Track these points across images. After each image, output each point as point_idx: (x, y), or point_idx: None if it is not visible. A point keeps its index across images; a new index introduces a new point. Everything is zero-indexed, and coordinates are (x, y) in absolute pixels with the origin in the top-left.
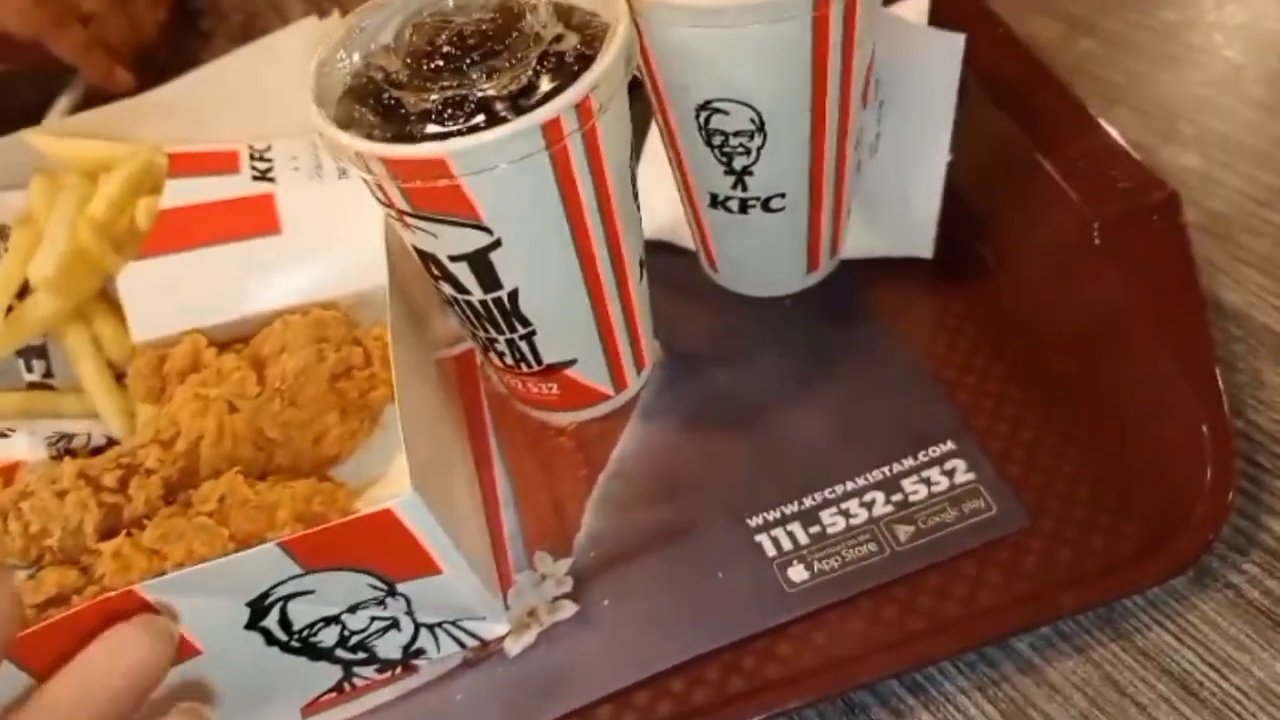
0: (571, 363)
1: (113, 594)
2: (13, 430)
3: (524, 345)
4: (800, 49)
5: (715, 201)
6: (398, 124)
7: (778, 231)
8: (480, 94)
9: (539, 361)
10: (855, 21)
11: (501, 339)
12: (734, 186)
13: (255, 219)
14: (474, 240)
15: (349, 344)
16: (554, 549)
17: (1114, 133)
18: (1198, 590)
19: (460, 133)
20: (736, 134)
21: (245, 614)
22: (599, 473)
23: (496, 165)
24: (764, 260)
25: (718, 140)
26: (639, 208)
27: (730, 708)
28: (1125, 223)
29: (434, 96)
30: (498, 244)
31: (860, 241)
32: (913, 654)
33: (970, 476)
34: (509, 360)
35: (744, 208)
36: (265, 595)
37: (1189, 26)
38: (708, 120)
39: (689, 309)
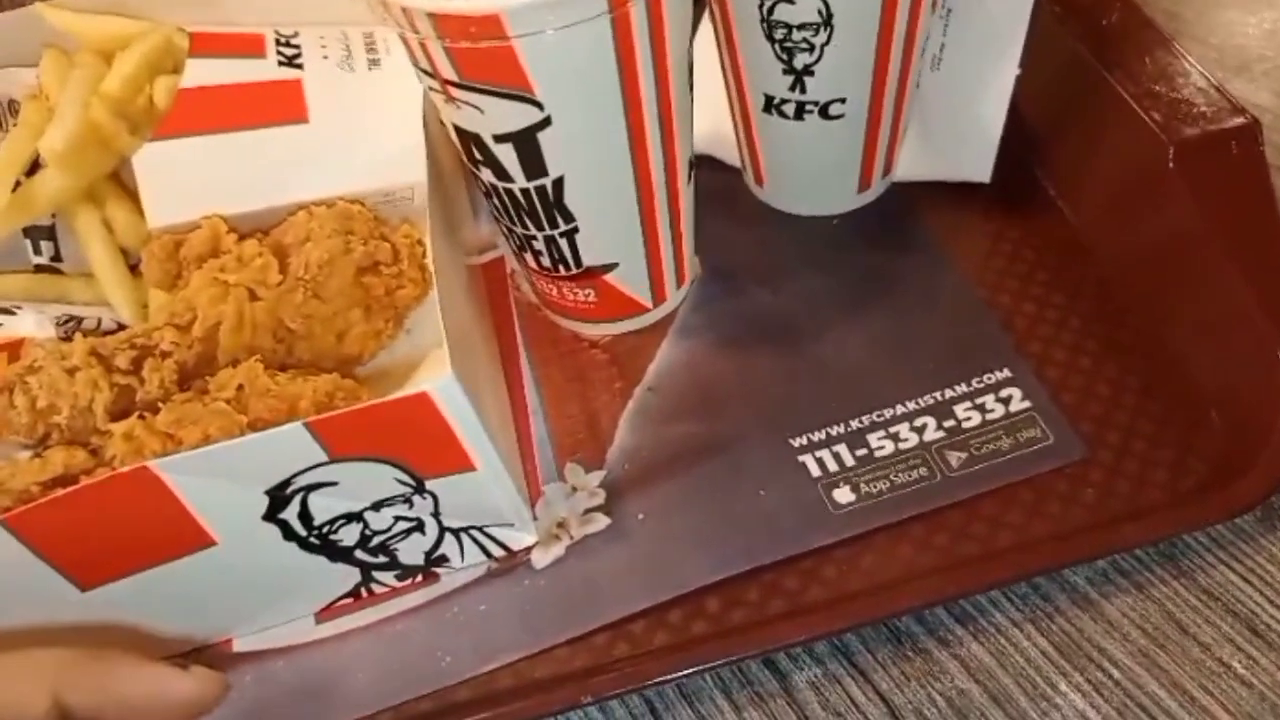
0: (612, 267)
1: (124, 469)
2: (19, 308)
3: (564, 243)
4: None
5: (770, 105)
6: None
7: (832, 142)
8: None
9: (578, 263)
10: None
11: (540, 236)
12: (792, 88)
13: (282, 106)
14: (523, 116)
15: (376, 239)
16: (586, 461)
17: (1189, 58)
18: (1266, 531)
19: None
20: (801, 27)
21: (264, 503)
22: (634, 386)
23: (553, 27)
24: (815, 175)
25: (780, 34)
26: (693, 106)
27: (770, 629)
28: (1202, 148)
29: None
30: (547, 122)
31: (914, 163)
32: (963, 580)
33: (1026, 404)
34: (546, 261)
35: (800, 112)
36: (286, 484)
37: None
38: (771, 9)
39: (731, 226)
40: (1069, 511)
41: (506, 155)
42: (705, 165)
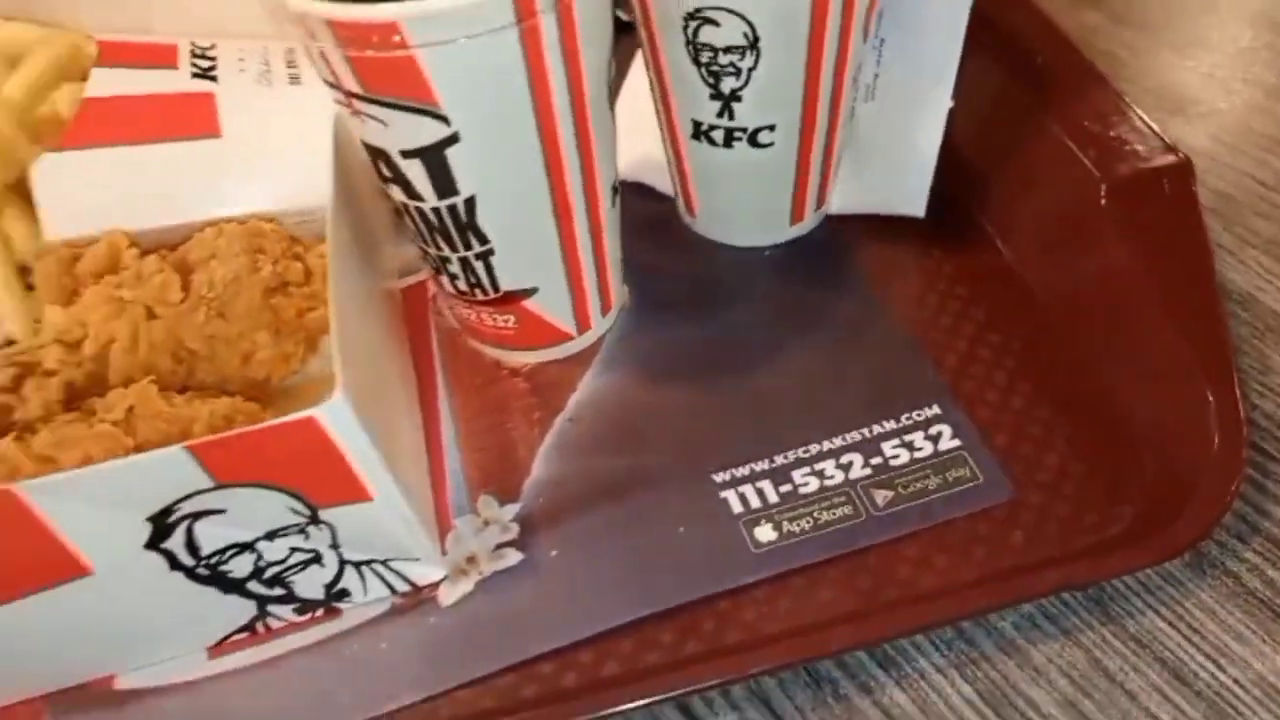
0: (531, 292)
1: None
2: None
3: (479, 266)
4: None
5: (698, 131)
6: None
7: (763, 171)
8: None
9: (495, 288)
10: None
11: (455, 257)
12: (720, 114)
13: (192, 119)
14: (429, 132)
15: (289, 259)
16: (500, 494)
17: (1124, 99)
18: (1195, 577)
19: None
20: (727, 49)
21: (146, 531)
22: (554, 417)
23: (458, 38)
24: (746, 204)
25: (705, 57)
26: (614, 127)
27: (685, 672)
28: (1134, 187)
29: None
30: (455, 138)
31: (848, 196)
32: (886, 624)
33: (955, 443)
34: (463, 285)
35: (729, 140)
36: (169, 511)
37: (1198, 5)
38: (696, 32)
39: (661, 255)
40: (996, 555)
41: (415, 172)
42: (638, 193)
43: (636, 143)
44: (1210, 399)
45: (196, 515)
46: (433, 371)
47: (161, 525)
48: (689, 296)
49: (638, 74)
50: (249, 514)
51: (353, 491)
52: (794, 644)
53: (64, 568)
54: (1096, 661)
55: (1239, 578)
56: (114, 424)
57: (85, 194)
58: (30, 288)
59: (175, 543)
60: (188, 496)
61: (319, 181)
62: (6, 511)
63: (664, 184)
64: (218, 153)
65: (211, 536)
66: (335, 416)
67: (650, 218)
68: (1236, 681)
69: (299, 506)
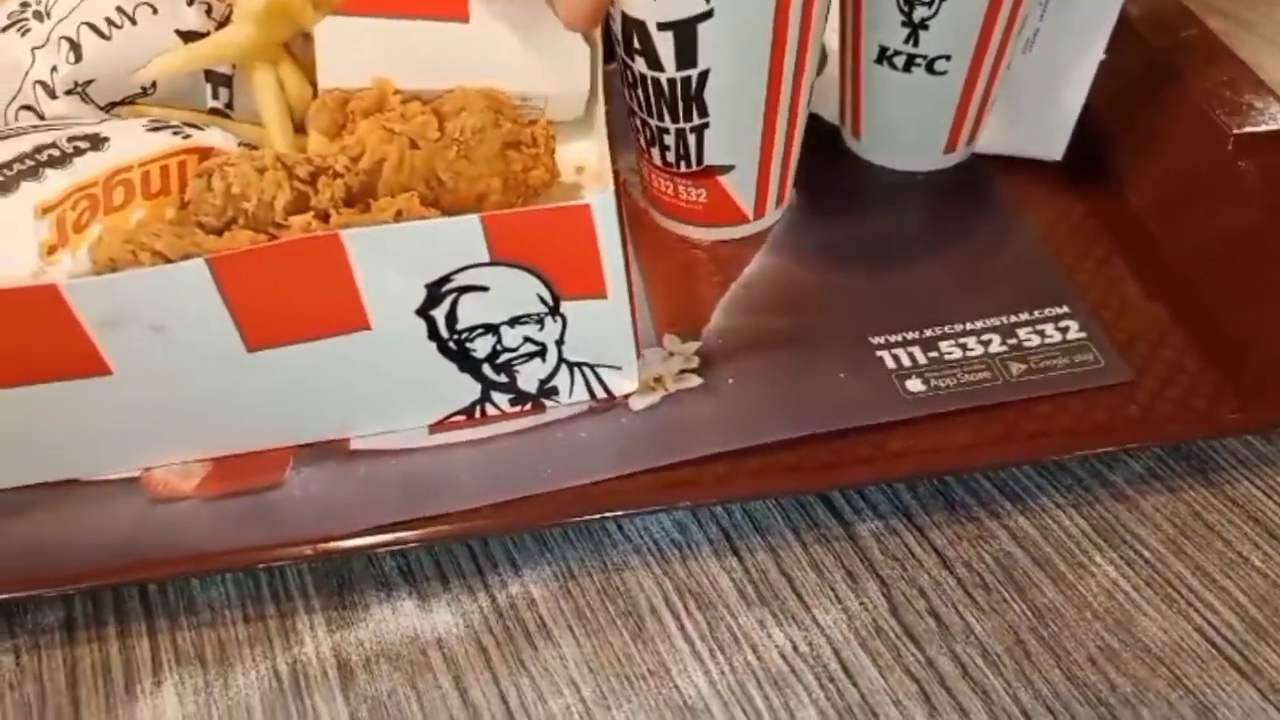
0: (728, 169)
1: (319, 234)
2: (207, 127)
3: (692, 139)
4: None
5: (883, 56)
6: None
7: (931, 98)
8: None
9: (700, 160)
10: None
11: (673, 129)
12: (907, 40)
13: (448, 3)
14: (690, 6)
15: (521, 123)
16: (683, 333)
17: (1252, 69)
18: None
19: None
20: None
21: (421, 296)
22: (730, 282)
23: None
24: (909, 128)
25: None
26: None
27: (838, 471)
28: (1259, 142)
29: None
30: (709, 14)
31: (995, 137)
32: (1013, 453)
33: (1082, 335)
34: (671, 157)
35: (909, 65)
36: (445, 280)
37: None
38: None
39: (826, 172)
40: (1113, 419)
41: (665, 43)
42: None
43: None
44: None
45: (464, 289)
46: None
47: (435, 293)
48: (848, 206)
49: None
50: (505, 295)
51: (594, 285)
52: (933, 461)
53: (351, 318)
54: (1197, 514)
55: None
56: (390, 219)
57: (355, 52)
58: (296, 129)
59: (439, 312)
60: (464, 269)
61: (546, 70)
62: (329, 255)
63: (830, 113)
64: (465, 35)
65: (469, 313)
66: (603, 208)
67: (816, 142)
68: None
69: (546, 295)
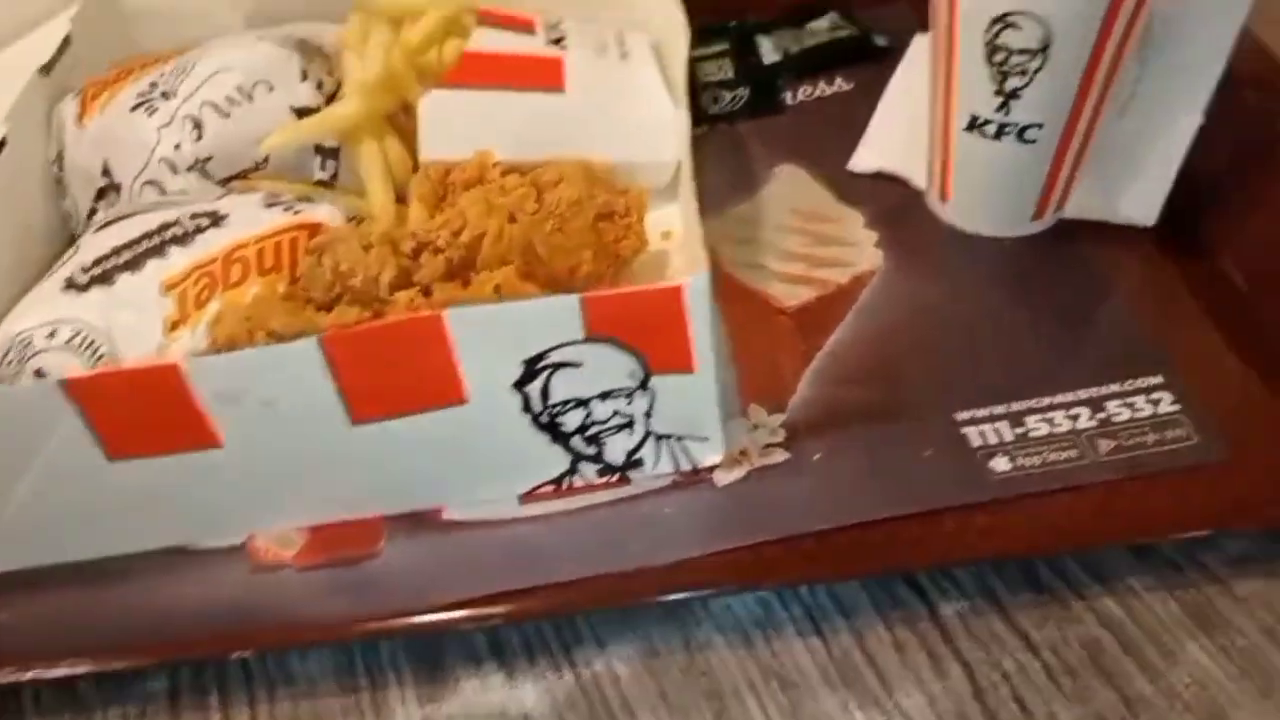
0: None
1: (424, 314)
2: (319, 200)
3: None
4: None
5: (973, 124)
6: None
7: (1021, 165)
8: None
9: None
10: None
11: None
12: (998, 109)
13: (545, 75)
14: None
15: (613, 194)
16: (768, 405)
17: None
18: None
19: None
20: (1021, 52)
21: (517, 372)
22: (816, 351)
23: None
24: (998, 195)
25: (999, 57)
26: None
27: (924, 553)
28: None
29: None
30: None
31: (1085, 202)
32: (1102, 535)
33: (1175, 407)
34: None
35: (1000, 133)
36: (541, 357)
37: None
38: (998, 34)
39: (913, 234)
40: (1208, 499)
41: None
42: (894, 182)
43: (894, 140)
44: None
45: (558, 366)
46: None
47: (530, 369)
48: (935, 271)
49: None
50: (597, 371)
51: (683, 361)
52: (1019, 542)
53: (449, 392)
54: None
55: None
56: (489, 293)
57: (457, 125)
58: (399, 200)
59: (534, 388)
60: (560, 346)
61: (638, 139)
62: (431, 334)
63: (918, 178)
64: (562, 105)
65: (561, 388)
66: (695, 290)
67: (904, 202)
68: None
69: (637, 369)
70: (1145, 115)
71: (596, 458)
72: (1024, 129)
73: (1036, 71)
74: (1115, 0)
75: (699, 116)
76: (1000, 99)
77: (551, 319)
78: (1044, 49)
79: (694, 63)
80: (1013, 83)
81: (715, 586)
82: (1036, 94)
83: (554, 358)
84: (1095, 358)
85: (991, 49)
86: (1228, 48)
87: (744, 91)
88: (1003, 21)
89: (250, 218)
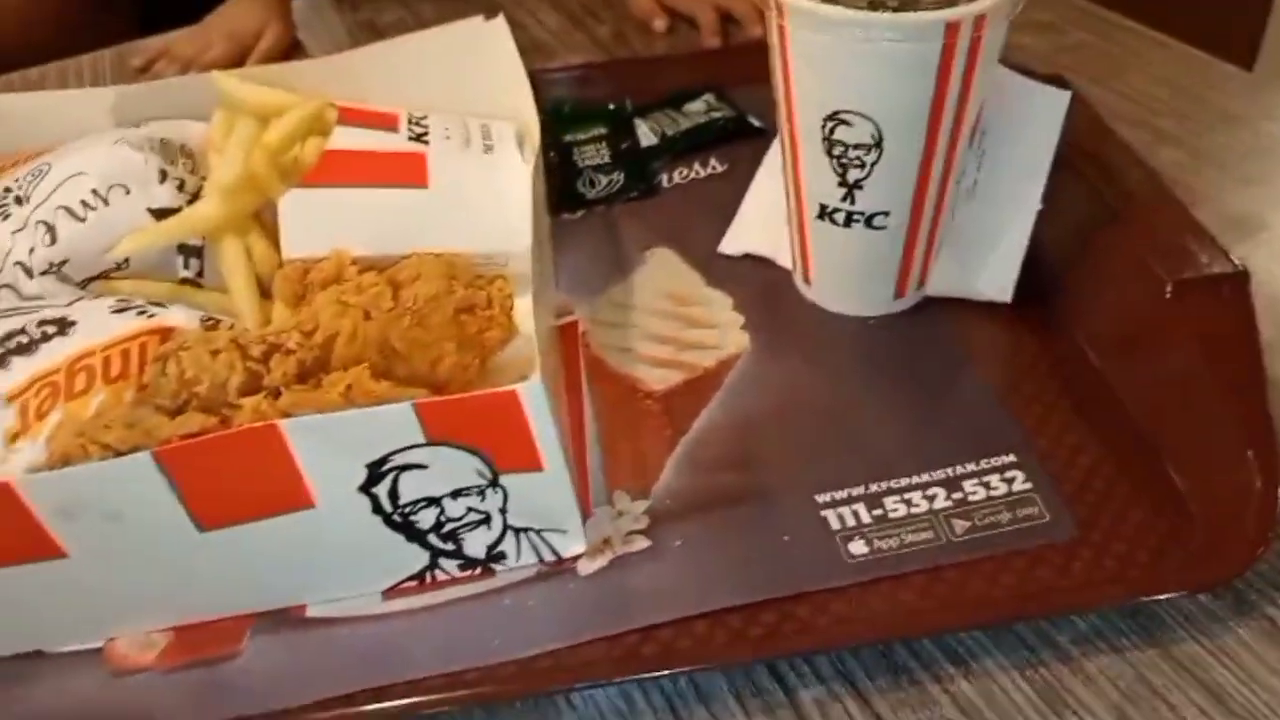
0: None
1: (259, 425)
2: (173, 304)
3: None
4: (926, 72)
5: (823, 212)
6: None
7: (874, 250)
8: None
9: None
10: (977, 59)
11: None
12: (844, 199)
13: (407, 171)
14: None
15: (474, 287)
16: (632, 491)
17: (1193, 214)
18: (1236, 617)
19: None
20: (856, 146)
21: (362, 475)
22: (680, 436)
23: None
24: (856, 277)
25: (838, 151)
26: None
27: (781, 641)
28: (1196, 289)
29: None
30: None
31: (944, 279)
32: (956, 619)
33: (1027, 486)
34: None
35: (849, 221)
36: (384, 460)
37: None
38: (832, 130)
39: (778, 316)
40: (1056, 578)
41: None
42: (765, 264)
43: (764, 220)
44: (1254, 472)
45: (404, 468)
46: (580, 391)
47: (375, 472)
48: (801, 350)
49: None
50: (445, 471)
51: (529, 460)
52: (875, 627)
53: (296, 498)
54: (1142, 676)
55: (1274, 621)
56: (338, 395)
57: (318, 223)
58: (265, 296)
59: (382, 489)
60: (402, 450)
61: (504, 231)
62: (269, 443)
63: (783, 258)
64: (425, 200)
65: (410, 488)
66: (531, 394)
67: (771, 284)
68: (1268, 706)
69: (484, 469)
70: (990, 200)
71: (456, 553)
72: (871, 217)
73: (874, 165)
74: (938, 99)
75: (576, 201)
76: (844, 189)
77: (389, 425)
78: (878, 143)
79: (571, 147)
80: (853, 174)
81: (574, 682)
82: (878, 184)
83: (398, 460)
84: (953, 436)
85: (830, 144)
86: (1053, 145)
87: (619, 176)
88: (835, 119)
89: (99, 324)
